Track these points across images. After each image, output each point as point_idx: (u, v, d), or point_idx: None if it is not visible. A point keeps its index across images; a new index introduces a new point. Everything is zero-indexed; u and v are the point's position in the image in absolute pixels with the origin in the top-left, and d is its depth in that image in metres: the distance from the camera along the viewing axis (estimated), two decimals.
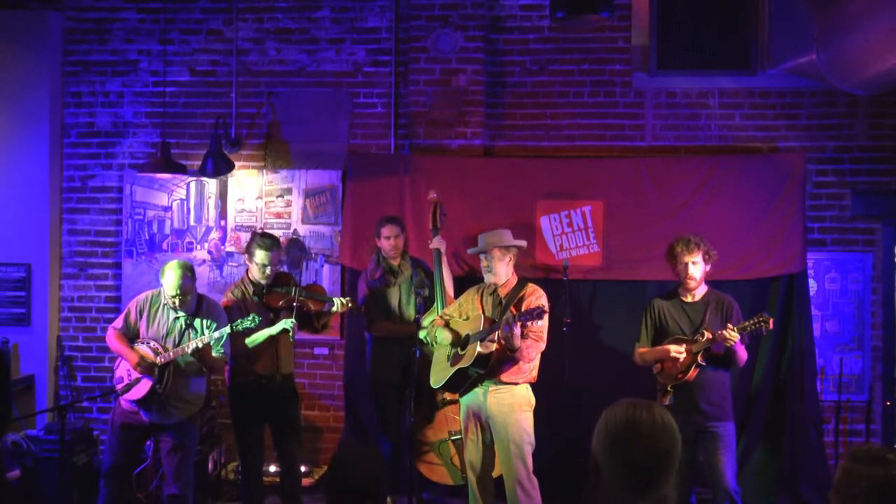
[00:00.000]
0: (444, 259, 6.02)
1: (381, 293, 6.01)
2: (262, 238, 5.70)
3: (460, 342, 5.25)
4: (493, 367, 5.09)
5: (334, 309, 5.68)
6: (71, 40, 7.20)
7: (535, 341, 5.09)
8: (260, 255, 5.60)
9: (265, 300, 5.65)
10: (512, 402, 5.13)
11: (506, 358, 5.08)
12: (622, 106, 6.84)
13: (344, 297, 5.94)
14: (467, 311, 5.35)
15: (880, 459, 2.47)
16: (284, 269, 6.55)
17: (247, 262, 5.75)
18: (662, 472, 2.25)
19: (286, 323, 5.50)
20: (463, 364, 5.13)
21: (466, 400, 5.28)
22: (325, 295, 5.81)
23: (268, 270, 5.62)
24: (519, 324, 4.89)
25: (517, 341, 4.94)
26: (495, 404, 5.13)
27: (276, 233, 6.72)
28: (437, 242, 6.00)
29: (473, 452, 5.27)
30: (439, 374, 5.37)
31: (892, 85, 5.76)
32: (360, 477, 3.11)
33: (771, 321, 4.96)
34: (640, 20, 6.81)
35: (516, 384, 5.14)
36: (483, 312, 5.23)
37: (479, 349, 5.04)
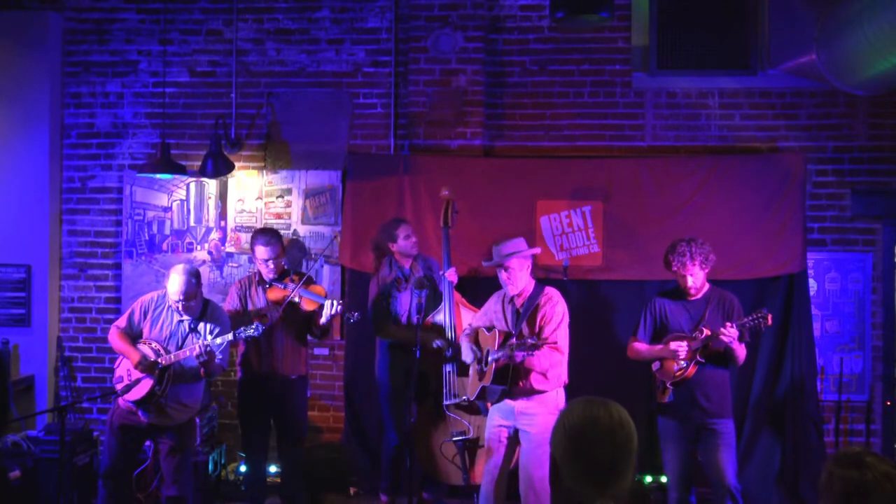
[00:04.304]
0: (455, 293, 5.94)
1: (392, 298, 5.99)
2: (261, 234, 5.86)
3: (483, 357, 5.30)
4: (513, 381, 5.12)
5: (325, 309, 5.59)
6: (71, 41, 7.19)
7: (550, 351, 5.07)
8: (260, 251, 5.75)
9: (266, 293, 5.78)
10: (539, 404, 5.13)
11: (524, 371, 5.10)
12: (622, 106, 6.84)
13: (343, 298, 5.90)
14: (491, 319, 5.37)
15: (857, 463, 2.53)
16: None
17: (254, 261, 5.92)
18: (621, 468, 2.33)
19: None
20: (485, 382, 5.22)
21: (496, 408, 5.29)
22: (322, 296, 5.76)
23: (271, 264, 5.73)
24: (520, 353, 4.94)
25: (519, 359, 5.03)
26: (523, 409, 5.15)
27: None
28: (451, 274, 5.90)
29: (494, 461, 5.23)
30: (472, 388, 5.45)
31: (892, 85, 5.77)
32: (326, 469, 3.38)
33: (769, 317, 4.96)
34: (639, 20, 6.81)
35: (545, 391, 5.14)
36: (506, 321, 5.25)
37: (494, 367, 5.13)
